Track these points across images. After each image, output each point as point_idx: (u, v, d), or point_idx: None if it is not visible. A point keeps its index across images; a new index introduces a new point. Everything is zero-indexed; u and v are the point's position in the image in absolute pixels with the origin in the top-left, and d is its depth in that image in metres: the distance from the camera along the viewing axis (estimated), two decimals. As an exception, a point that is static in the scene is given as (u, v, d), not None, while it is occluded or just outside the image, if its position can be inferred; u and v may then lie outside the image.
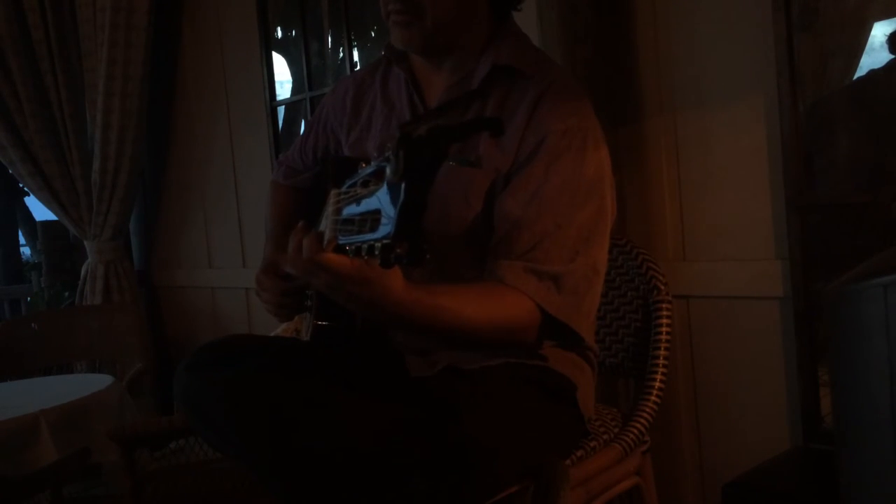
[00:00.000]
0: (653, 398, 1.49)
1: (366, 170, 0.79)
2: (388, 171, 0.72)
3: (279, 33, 3.40)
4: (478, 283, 1.15)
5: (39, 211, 4.64)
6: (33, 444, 2.21)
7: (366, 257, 0.75)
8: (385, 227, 0.72)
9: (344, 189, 0.84)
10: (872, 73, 1.69)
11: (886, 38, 1.65)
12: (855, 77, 1.73)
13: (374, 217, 0.74)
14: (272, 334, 1.46)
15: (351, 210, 0.80)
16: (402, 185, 0.70)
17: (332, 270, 0.90)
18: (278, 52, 3.28)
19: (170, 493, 1.92)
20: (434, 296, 1.04)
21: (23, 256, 7.43)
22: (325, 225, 0.92)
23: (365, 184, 0.78)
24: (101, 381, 2.61)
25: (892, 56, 1.66)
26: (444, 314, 1.05)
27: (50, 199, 3.52)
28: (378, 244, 0.72)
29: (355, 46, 2.99)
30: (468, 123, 0.80)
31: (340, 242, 0.82)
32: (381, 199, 0.73)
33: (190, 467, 1.99)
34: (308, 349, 1.23)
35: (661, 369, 1.51)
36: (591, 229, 1.17)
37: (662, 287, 1.55)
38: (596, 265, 1.18)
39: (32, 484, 1.96)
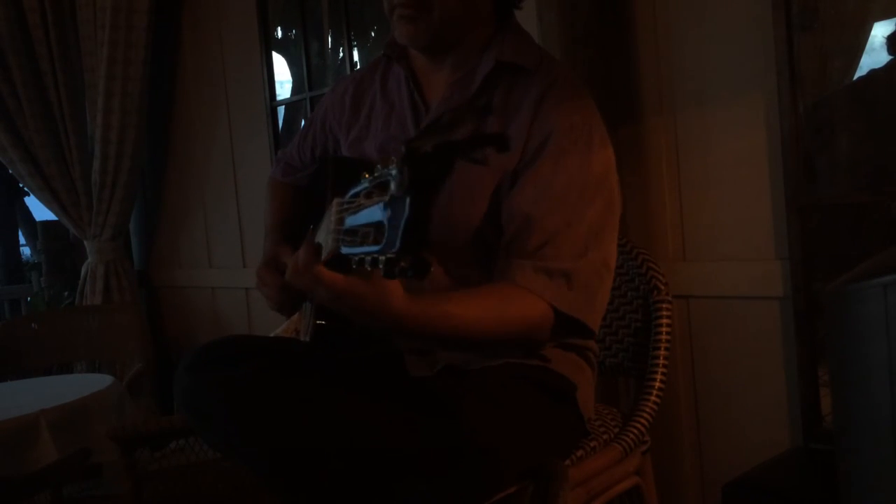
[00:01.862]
0: (653, 398, 1.49)
1: (369, 181, 0.79)
2: (392, 185, 0.72)
3: (279, 33, 3.39)
4: (486, 286, 1.15)
5: (39, 211, 4.64)
6: (33, 444, 2.20)
7: (369, 269, 0.75)
8: (388, 241, 0.71)
9: (347, 199, 0.84)
10: (873, 73, 1.69)
11: (885, 38, 1.65)
12: (855, 77, 1.73)
13: (377, 229, 0.74)
14: (272, 334, 1.46)
15: (353, 221, 0.80)
16: (407, 200, 0.70)
17: (328, 286, 0.90)
18: (278, 52, 3.28)
19: (170, 493, 1.91)
20: (440, 304, 1.04)
21: (23, 256, 7.43)
22: (325, 233, 0.92)
23: (368, 195, 0.78)
24: (101, 381, 2.60)
25: (890, 56, 1.66)
26: (452, 321, 1.05)
27: (50, 199, 3.52)
28: (382, 258, 0.72)
29: (355, 46, 2.99)
30: (473, 139, 0.80)
31: (343, 252, 0.82)
32: (384, 213, 0.73)
33: (190, 467, 1.98)
34: (308, 349, 1.23)
35: (661, 369, 1.51)
36: (600, 224, 1.17)
37: (662, 287, 1.55)
38: (606, 260, 1.18)
39: (32, 484, 1.96)
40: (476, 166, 1.16)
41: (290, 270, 0.98)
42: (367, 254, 0.75)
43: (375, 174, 0.77)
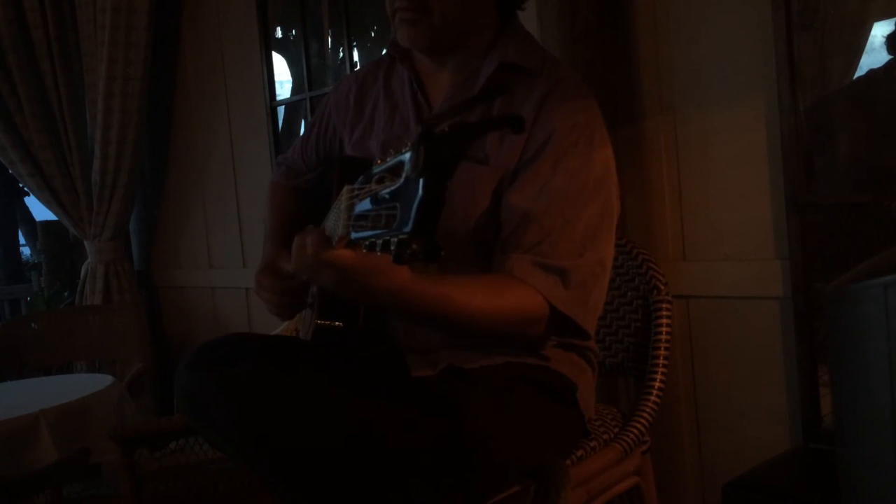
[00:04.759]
0: (653, 398, 1.49)
1: (382, 165, 0.78)
2: (406, 166, 0.72)
3: (279, 33, 3.39)
4: (485, 275, 1.15)
5: (39, 211, 4.64)
6: (33, 444, 2.21)
7: (380, 253, 0.74)
8: (401, 223, 0.71)
9: (357, 185, 0.83)
10: (872, 73, 1.69)
11: (885, 38, 1.65)
12: (855, 77, 1.73)
13: (388, 213, 0.73)
14: (272, 334, 1.46)
15: (364, 206, 0.79)
16: (421, 181, 0.69)
17: (338, 264, 0.90)
18: (278, 52, 3.28)
19: (170, 493, 1.92)
20: (441, 286, 1.05)
21: (23, 256, 7.42)
22: (334, 221, 0.91)
23: (380, 180, 0.78)
24: (101, 381, 2.61)
25: (890, 56, 1.66)
26: (451, 305, 1.06)
27: (50, 199, 3.52)
28: (393, 240, 0.71)
29: (355, 46, 2.99)
30: (490, 120, 0.79)
31: (353, 238, 0.82)
32: (397, 195, 0.72)
33: (190, 467, 1.99)
34: (309, 348, 1.23)
35: (661, 369, 1.51)
36: (598, 224, 1.17)
37: (662, 287, 1.55)
38: (603, 261, 1.19)
39: (32, 484, 1.96)
40: (477, 165, 1.16)
41: (296, 255, 0.96)
42: (379, 236, 0.74)
43: (388, 159, 0.77)
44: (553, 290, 1.13)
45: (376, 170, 0.79)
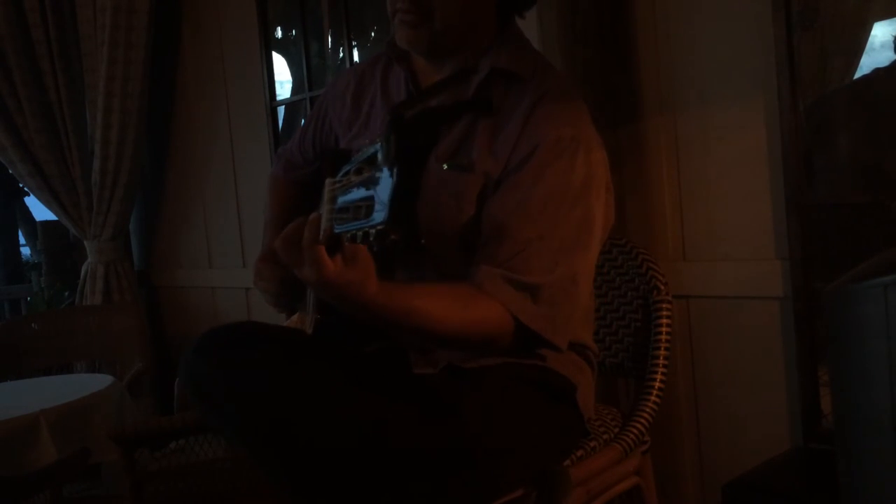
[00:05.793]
0: (653, 398, 1.49)
1: (359, 157, 0.79)
2: (379, 156, 0.73)
3: (279, 33, 3.40)
4: (455, 286, 1.14)
5: (39, 211, 4.64)
6: (33, 444, 2.21)
7: (360, 243, 0.75)
8: (379, 213, 0.72)
9: (338, 178, 0.83)
10: (875, 73, 1.69)
11: (894, 37, 1.64)
12: (855, 77, 1.73)
13: (367, 204, 0.74)
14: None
15: (345, 198, 0.80)
16: (395, 170, 0.70)
17: (318, 268, 0.90)
18: (278, 52, 3.28)
19: (170, 493, 1.92)
20: (409, 299, 1.05)
21: (23, 256, 7.42)
22: (321, 215, 0.92)
23: (359, 171, 0.79)
24: (101, 381, 2.61)
25: (895, 56, 1.66)
26: (416, 316, 1.05)
27: (50, 199, 3.52)
28: (373, 230, 0.72)
29: (355, 46, 2.99)
30: (457, 105, 0.81)
31: (336, 231, 0.83)
32: (373, 185, 0.73)
33: (190, 467, 1.99)
34: (313, 341, 1.23)
35: (661, 369, 1.51)
36: (574, 239, 1.17)
37: (662, 287, 1.55)
38: (575, 276, 1.17)
39: (32, 484, 1.96)
40: (463, 173, 1.17)
41: (286, 245, 0.94)
42: (359, 228, 0.75)
43: (365, 150, 0.78)
44: (521, 307, 1.12)
45: (354, 161, 0.80)
